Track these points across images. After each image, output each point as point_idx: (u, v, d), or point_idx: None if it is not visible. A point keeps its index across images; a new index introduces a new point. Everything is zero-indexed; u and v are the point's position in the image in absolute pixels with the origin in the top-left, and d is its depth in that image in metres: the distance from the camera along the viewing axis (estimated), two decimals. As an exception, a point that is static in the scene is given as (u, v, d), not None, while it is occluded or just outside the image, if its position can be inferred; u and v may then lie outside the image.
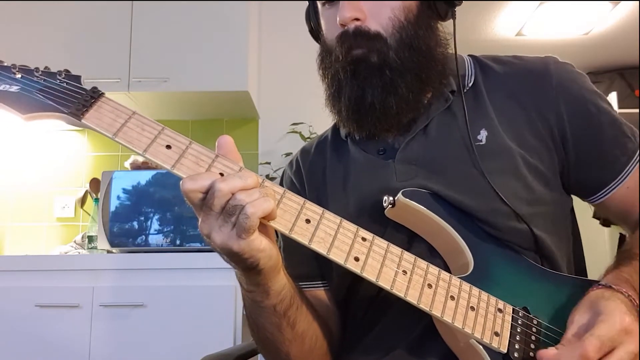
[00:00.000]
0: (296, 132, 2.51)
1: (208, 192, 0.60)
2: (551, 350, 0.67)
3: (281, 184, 0.99)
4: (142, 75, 2.27)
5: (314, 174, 0.94)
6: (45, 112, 0.63)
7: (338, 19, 0.83)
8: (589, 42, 3.59)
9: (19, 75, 0.65)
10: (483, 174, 0.79)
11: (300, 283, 0.91)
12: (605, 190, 0.85)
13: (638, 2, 3.09)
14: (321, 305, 0.89)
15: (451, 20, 0.88)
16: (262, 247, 0.62)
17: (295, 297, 0.75)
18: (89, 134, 2.61)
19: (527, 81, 0.86)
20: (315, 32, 0.95)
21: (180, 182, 0.61)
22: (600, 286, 0.73)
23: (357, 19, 0.82)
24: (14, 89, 0.64)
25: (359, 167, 0.88)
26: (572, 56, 3.69)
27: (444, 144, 0.84)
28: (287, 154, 2.47)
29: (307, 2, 0.97)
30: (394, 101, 0.82)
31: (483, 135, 0.83)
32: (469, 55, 0.93)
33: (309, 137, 2.44)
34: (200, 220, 0.62)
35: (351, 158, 0.90)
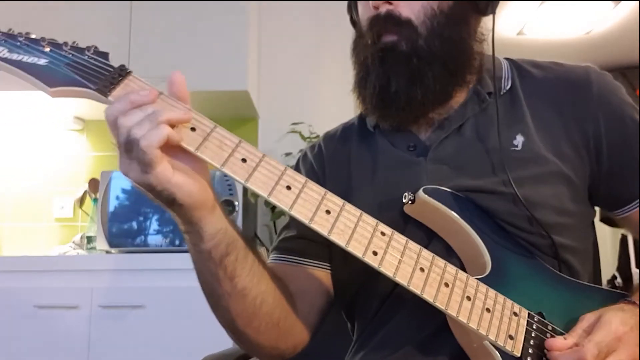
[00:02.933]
0: (296, 132, 2.50)
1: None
2: (558, 341, 0.69)
3: (297, 165, 0.97)
4: (141, 75, 2.23)
5: (337, 162, 0.92)
6: (73, 87, 0.63)
7: (371, 1, 0.82)
8: (590, 41, 3.58)
9: (47, 49, 0.64)
10: (511, 182, 0.78)
11: (290, 256, 0.88)
12: (634, 204, 0.84)
13: (639, 1, 3.08)
14: (300, 283, 0.85)
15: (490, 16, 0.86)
16: (174, 180, 0.61)
17: (236, 247, 0.71)
18: (88, 134, 2.60)
19: (567, 89, 0.85)
20: (355, 22, 0.94)
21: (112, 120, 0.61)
22: (625, 301, 0.75)
23: (390, 3, 0.82)
24: (42, 62, 0.63)
25: (388, 161, 0.87)
26: (574, 56, 3.68)
27: (477, 146, 0.83)
28: (287, 154, 2.47)
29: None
30: (420, 92, 0.81)
31: (519, 141, 0.81)
32: (505, 58, 0.91)
33: (308, 137, 2.44)
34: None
35: (379, 150, 0.89)
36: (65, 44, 0.65)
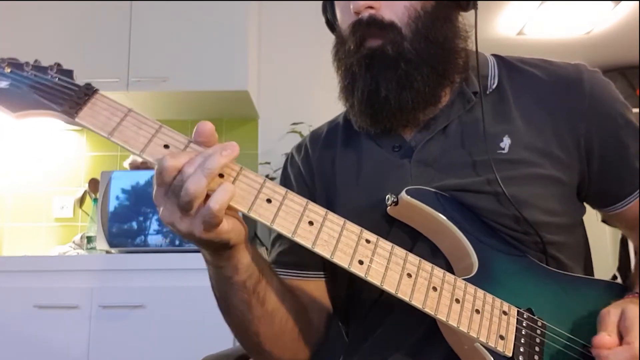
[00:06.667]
0: (296, 132, 2.50)
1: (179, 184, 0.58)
2: (606, 338, 0.66)
3: (285, 169, 0.97)
4: (141, 75, 2.26)
5: (324, 163, 0.91)
6: (37, 110, 0.60)
7: (352, 6, 0.81)
8: (591, 41, 3.58)
9: (8, 70, 0.61)
10: (499, 180, 0.77)
11: (292, 271, 0.88)
12: (625, 201, 0.84)
13: (639, 1, 3.08)
14: (307, 295, 0.86)
15: (472, 13, 0.84)
16: (230, 228, 0.61)
17: (264, 272, 0.72)
18: (87, 134, 2.60)
19: (559, 88, 0.83)
20: (332, 24, 0.93)
21: (160, 160, 0.58)
22: (632, 294, 0.75)
23: (372, 7, 0.80)
24: (3, 84, 0.60)
25: (373, 162, 0.86)
26: (574, 56, 3.68)
27: (462, 148, 0.82)
28: (287, 154, 2.47)
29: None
30: (410, 96, 0.80)
31: (506, 143, 0.80)
32: (492, 54, 0.89)
33: (309, 137, 2.44)
34: (162, 208, 0.60)
35: (364, 151, 0.88)
36: (27, 63, 0.62)
